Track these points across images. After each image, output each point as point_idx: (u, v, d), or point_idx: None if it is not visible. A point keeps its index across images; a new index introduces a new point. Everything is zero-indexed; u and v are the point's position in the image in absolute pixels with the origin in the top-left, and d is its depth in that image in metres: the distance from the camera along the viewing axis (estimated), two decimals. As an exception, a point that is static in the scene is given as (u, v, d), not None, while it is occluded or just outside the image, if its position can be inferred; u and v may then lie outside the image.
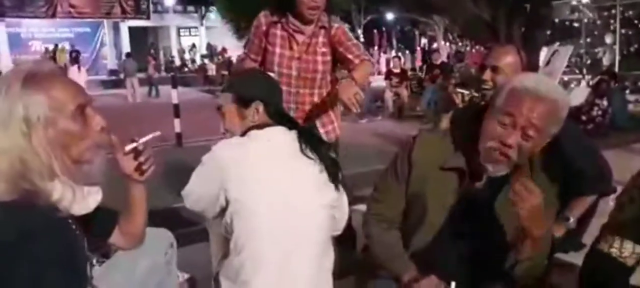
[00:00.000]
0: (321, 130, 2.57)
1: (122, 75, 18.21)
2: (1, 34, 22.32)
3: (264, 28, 2.50)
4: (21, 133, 1.08)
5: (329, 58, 2.50)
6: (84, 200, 1.21)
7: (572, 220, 2.11)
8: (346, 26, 2.62)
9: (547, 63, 8.05)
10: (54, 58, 19.84)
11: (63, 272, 1.13)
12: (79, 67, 16.21)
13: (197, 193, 1.61)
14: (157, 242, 1.71)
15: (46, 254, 1.08)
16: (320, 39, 2.46)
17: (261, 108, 1.61)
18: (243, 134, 1.60)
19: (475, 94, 2.29)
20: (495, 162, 1.42)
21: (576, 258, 2.17)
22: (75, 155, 1.16)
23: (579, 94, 7.68)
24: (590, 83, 9.10)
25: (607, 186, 2.13)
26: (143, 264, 1.64)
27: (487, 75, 2.14)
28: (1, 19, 21.86)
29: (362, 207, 1.83)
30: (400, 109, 9.90)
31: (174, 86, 7.30)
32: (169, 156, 6.77)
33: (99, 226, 1.40)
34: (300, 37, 2.45)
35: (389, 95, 10.02)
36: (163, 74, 21.44)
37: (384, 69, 19.72)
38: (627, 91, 11.32)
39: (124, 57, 18.71)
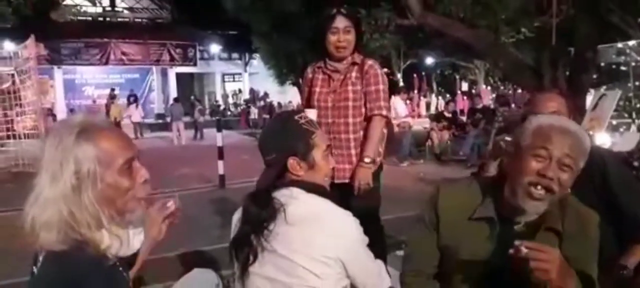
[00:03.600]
0: (347, 166, 2.72)
1: (168, 119, 18.95)
2: (58, 80, 23.60)
3: (309, 76, 2.89)
4: (71, 186, 1.11)
5: (359, 88, 2.72)
6: (129, 242, 1.25)
7: (630, 268, 2.03)
8: (385, 70, 2.78)
9: (595, 107, 7.85)
10: (111, 102, 20.92)
11: None
12: (136, 106, 19.09)
13: None
14: (203, 283, 1.75)
15: None
16: (354, 74, 2.74)
17: None
18: None
19: None
20: (536, 199, 1.40)
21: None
22: (120, 206, 1.19)
23: (630, 139, 7.40)
24: (642, 127, 8.79)
25: None
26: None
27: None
28: (59, 66, 23.14)
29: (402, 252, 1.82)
30: (442, 152, 9.80)
31: (219, 130, 7.50)
32: (212, 197, 6.94)
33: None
34: (336, 75, 2.75)
35: (434, 136, 9.93)
36: (208, 117, 22.07)
37: (423, 112, 19.64)
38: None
39: (171, 102, 19.42)
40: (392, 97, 16.28)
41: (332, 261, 1.50)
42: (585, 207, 1.57)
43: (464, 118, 11.33)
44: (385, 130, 2.81)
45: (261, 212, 1.51)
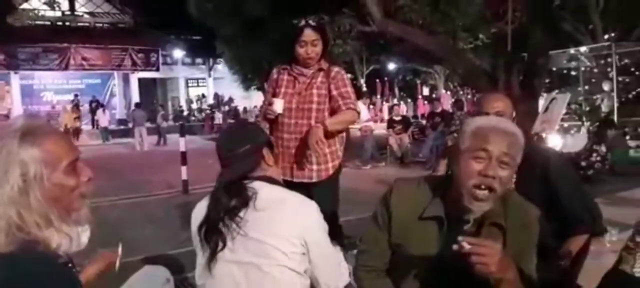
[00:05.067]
0: (314, 168, 2.77)
1: (131, 125, 18.67)
2: (15, 85, 22.82)
3: (275, 77, 2.91)
4: (18, 189, 1.12)
5: (324, 92, 2.79)
6: (79, 238, 1.27)
7: (567, 259, 2.19)
8: (348, 76, 2.88)
9: (546, 110, 8.21)
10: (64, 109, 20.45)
11: None
12: (104, 111, 19.17)
13: None
14: (153, 279, 1.83)
15: None
16: (319, 79, 2.80)
17: None
18: None
19: None
20: (481, 199, 1.48)
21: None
22: (67, 205, 1.22)
23: (579, 141, 7.79)
24: (590, 129, 9.22)
25: (599, 227, 2.26)
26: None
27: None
28: (15, 71, 22.43)
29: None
30: (403, 155, 10.03)
31: (182, 135, 7.49)
32: (176, 202, 6.91)
33: None
34: (302, 78, 2.82)
35: (392, 142, 10.17)
36: (171, 122, 21.80)
37: (386, 116, 19.99)
38: (628, 137, 11.43)
39: (133, 107, 19.13)
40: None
41: (297, 240, 1.62)
42: (527, 202, 1.67)
43: (424, 122, 11.62)
44: (343, 134, 2.93)
45: (231, 201, 1.61)
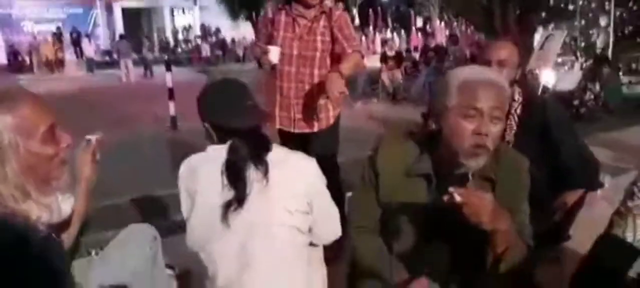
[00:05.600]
0: (315, 118, 2.66)
1: (115, 56, 18.29)
2: (-8, 14, 22.16)
3: (270, 16, 2.67)
4: None
5: (328, 39, 2.61)
6: (59, 209, 1.23)
7: (561, 211, 2.17)
8: (341, 5, 2.68)
9: (542, 46, 8.09)
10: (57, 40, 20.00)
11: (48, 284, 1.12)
12: (89, 40, 18.32)
13: None
14: (140, 237, 1.77)
15: (30, 272, 1.07)
16: (322, 23, 2.59)
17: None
18: None
19: None
20: (476, 156, 1.43)
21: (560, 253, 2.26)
22: (44, 174, 1.15)
23: (572, 78, 7.72)
24: (584, 66, 9.14)
25: (596, 183, 2.21)
26: (130, 262, 1.68)
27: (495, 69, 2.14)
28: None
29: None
30: (395, 91, 9.93)
31: (168, 69, 7.30)
32: (164, 138, 6.83)
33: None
34: (302, 21, 2.59)
35: (384, 77, 10.04)
36: (157, 54, 21.39)
37: (379, 49, 19.72)
38: (621, 72, 11.41)
39: (117, 38, 18.72)
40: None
41: (301, 197, 1.58)
42: (517, 153, 1.63)
43: (417, 56, 11.44)
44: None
45: (252, 147, 1.54)
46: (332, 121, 2.73)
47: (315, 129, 2.68)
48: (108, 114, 9.22)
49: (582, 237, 1.91)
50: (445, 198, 1.30)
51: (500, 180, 1.52)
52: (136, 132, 7.38)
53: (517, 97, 2.20)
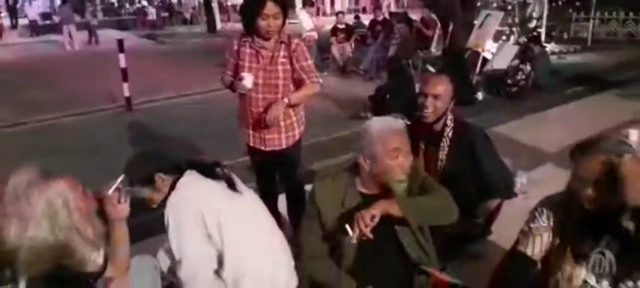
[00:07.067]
0: (283, 136, 3.00)
1: (56, 19, 17.39)
2: None
3: (236, 48, 2.95)
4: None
5: (288, 67, 2.91)
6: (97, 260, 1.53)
7: (481, 218, 2.69)
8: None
9: (481, 25, 8.59)
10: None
11: None
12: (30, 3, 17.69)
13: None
14: (143, 266, 2.07)
15: None
16: (282, 53, 2.89)
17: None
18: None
19: None
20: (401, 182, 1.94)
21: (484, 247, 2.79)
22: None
23: (506, 55, 8.22)
24: (519, 42, 9.74)
25: (510, 192, 2.72)
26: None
27: (430, 102, 2.58)
28: None
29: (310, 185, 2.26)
30: (345, 64, 10.23)
31: (121, 51, 7.24)
32: (119, 122, 6.80)
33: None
34: (264, 52, 2.89)
35: (334, 51, 10.29)
36: (101, 17, 20.56)
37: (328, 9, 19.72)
38: (553, 42, 12.18)
39: (58, 2, 17.77)
40: (298, 10, 16.14)
41: None
42: (434, 184, 2.07)
43: (366, 30, 11.72)
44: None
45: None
46: (297, 138, 3.08)
47: (284, 146, 3.02)
48: (59, 91, 8.90)
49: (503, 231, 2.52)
50: (353, 242, 1.84)
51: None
52: (90, 113, 7.28)
53: (449, 123, 2.64)
